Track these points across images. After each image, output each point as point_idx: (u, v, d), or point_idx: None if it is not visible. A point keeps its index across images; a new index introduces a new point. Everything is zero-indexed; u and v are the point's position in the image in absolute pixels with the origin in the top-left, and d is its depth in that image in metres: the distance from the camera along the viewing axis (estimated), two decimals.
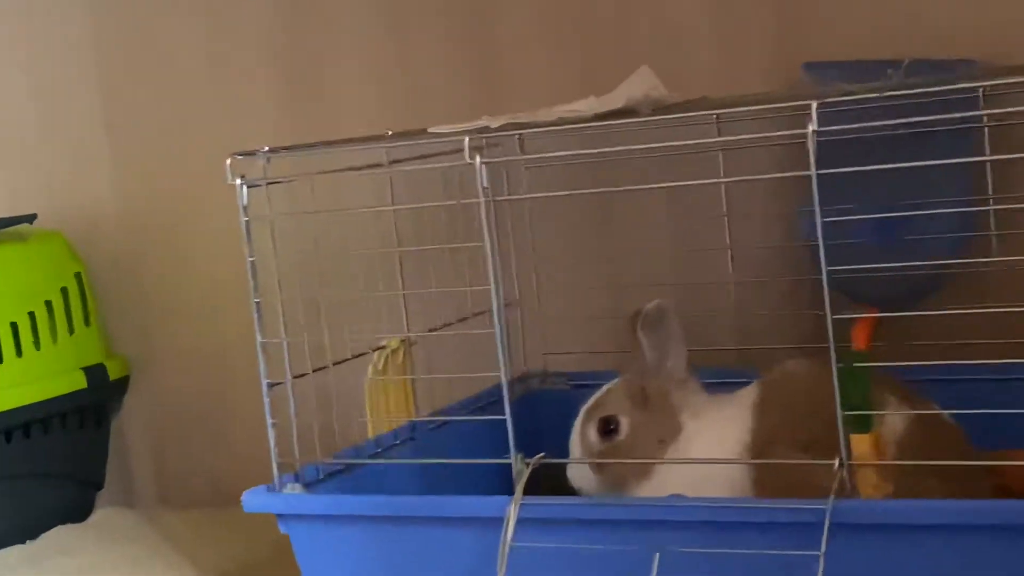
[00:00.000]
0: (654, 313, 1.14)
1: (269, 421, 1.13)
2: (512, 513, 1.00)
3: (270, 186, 1.11)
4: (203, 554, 1.50)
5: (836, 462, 0.96)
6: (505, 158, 1.29)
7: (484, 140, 1.11)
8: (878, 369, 1.04)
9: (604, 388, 1.21)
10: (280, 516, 1.13)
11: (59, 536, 1.63)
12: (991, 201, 1.26)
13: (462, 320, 1.28)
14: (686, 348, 1.17)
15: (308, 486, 1.15)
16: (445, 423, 1.31)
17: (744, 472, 1.09)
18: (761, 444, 1.10)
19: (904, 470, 1.01)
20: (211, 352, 1.73)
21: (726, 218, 1.36)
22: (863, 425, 0.99)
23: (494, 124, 1.11)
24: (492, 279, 1.05)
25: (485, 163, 1.03)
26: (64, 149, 1.79)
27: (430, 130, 1.15)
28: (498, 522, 1.00)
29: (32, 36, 1.80)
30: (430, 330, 1.29)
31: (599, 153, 1.10)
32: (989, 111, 1.17)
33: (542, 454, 1.06)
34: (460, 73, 1.58)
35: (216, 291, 1.69)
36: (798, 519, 0.93)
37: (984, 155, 1.23)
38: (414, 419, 1.27)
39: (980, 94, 1.17)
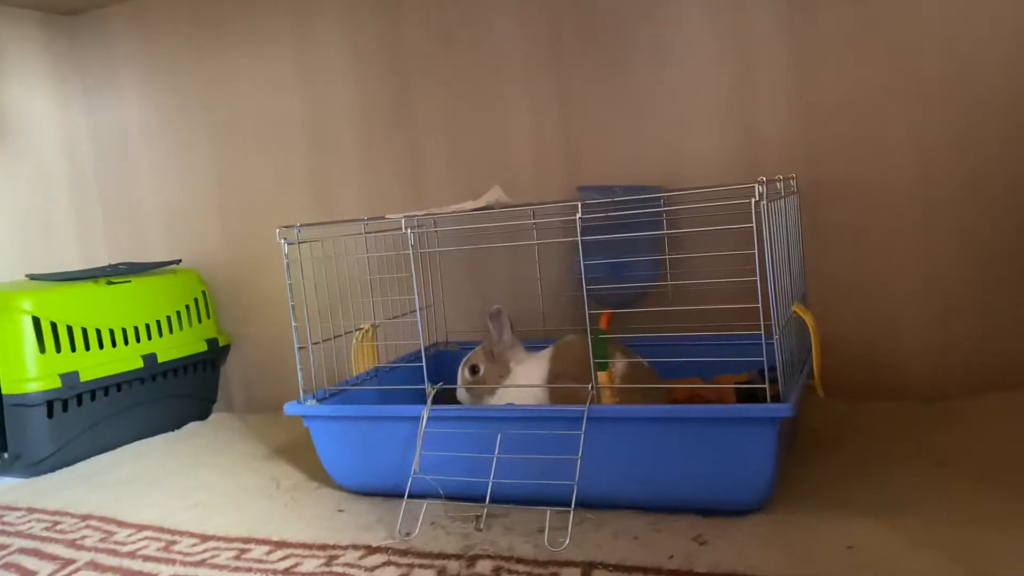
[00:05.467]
0: (496, 312, 1.11)
1: (299, 366, 1.09)
2: (425, 414, 0.98)
3: (301, 244, 1.09)
4: (266, 437, 1.43)
5: (590, 386, 0.95)
6: (422, 229, 1.27)
7: (416, 221, 1.06)
8: (612, 339, 1.02)
9: (473, 351, 1.15)
10: (304, 417, 1.08)
11: (192, 427, 1.55)
12: (667, 260, 1.24)
13: (402, 315, 1.23)
14: (511, 328, 1.12)
15: (320, 400, 1.10)
16: (393, 368, 1.25)
17: (544, 392, 1.06)
18: (554, 378, 1.06)
19: (624, 390, 0.99)
20: (273, 331, 1.63)
21: (537, 264, 1.33)
22: (604, 367, 0.97)
23: (419, 213, 1.10)
24: (415, 291, 1.04)
25: (413, 232, 1.02)
26: (193, 221, 1.69)
27: (387, 216, 1.14)
28: (417, 419, 0.98)
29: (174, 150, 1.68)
30: (385, 320, 1.24)
31: (473, 229, 1.06)
32: (667, 208, 1.18)
33: (441, 383, 1.03)
34: (404, 186, 1.50)
35: (276, 299, 1.61)
36: (571, 415, 0.92)
37: (664, 232, 1.21)
38: (376, 366, 1.22)
39: (662, 201, 1.19)
